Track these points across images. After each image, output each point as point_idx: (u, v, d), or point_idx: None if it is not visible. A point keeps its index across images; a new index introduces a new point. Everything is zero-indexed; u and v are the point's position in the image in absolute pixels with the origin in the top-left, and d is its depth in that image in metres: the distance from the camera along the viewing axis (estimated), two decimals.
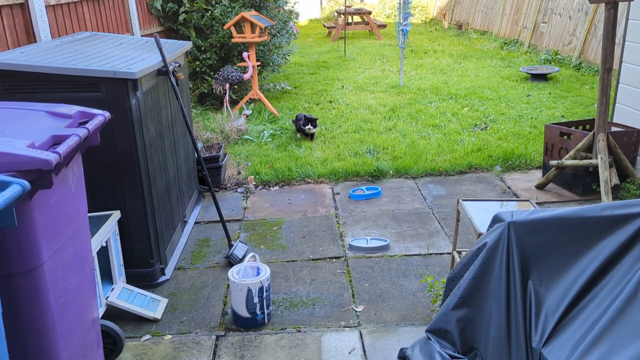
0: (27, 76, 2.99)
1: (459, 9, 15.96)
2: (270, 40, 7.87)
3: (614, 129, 4.74)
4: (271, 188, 5.09)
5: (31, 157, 1.75)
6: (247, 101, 7.45)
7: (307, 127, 6.02)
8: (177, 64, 3.87)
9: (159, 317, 3.17)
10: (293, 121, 6.44)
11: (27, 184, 1.59)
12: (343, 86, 8.84)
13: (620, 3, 4.14)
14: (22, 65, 2.97)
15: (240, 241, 3.93)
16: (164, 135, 3.70)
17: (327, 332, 3.04)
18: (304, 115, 6.12)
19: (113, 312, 3.05)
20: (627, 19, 4.84)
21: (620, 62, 4.93)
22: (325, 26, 15.66)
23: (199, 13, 7.32)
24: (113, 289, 3.08)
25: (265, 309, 3.08)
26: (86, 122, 2.24)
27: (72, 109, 2.30)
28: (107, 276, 3.09)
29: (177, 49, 4.06)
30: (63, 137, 2.01)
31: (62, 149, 1.91)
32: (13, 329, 1.90)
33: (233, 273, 3.10)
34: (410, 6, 8.85)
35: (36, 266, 1.89)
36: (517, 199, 4.30)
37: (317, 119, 6.17)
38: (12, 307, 1.87)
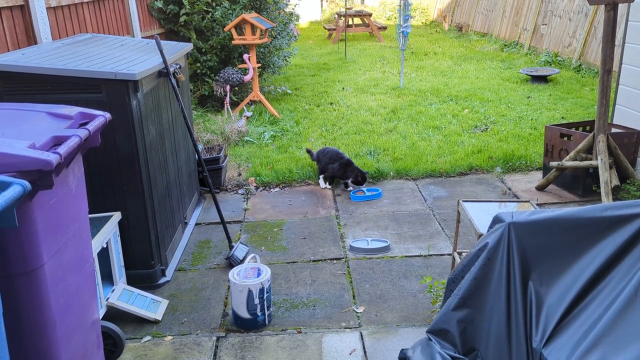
0: (28, 77, 3.00)
1: (459, 11, 15.98)
2: (270, 42, 7.88)
3: (614, 130, 4.74)
4: (272, 189, 5.09)
5: (32, 157, 1.76)
6: (248, 103, 7.45)
7: (362, 187, 4.88)
8: (178, 66, 3.88)
9: (160, 319, 3.17)
10: (317, 155, 5.18)
11: (27, 184, 1.60)
12: (344, 88, 8.85)
13: (620, 5, 4.14)
14: (23, 66, 2.98)
15: (240, 242, 3.93)
16: (165, 137, 3.70)
17: (328, 333, 3.04)
18: (359, 172, 4.85)
19: (113, 313, 3.05)
20: (627, 21, 4.84)
21: (620, 63, 4.94)
22: (325, 28, 15.69)
23: (199, 15, 7.33)
24: (113, 290, 3.08)
25: (265, 310, 3.08)
26: (87, 123, 2.25)
27: (73, 110, 2.30)
28: (107, 277, 3.09)
29: (177, 51, 4.07)
30: (64, 138, 2.01)
31: (63, 149, 1.91)
32: (14, 330, 1.90)
33: (234, 274, 3.10)
34: (410, 8, 8.86)
35: (37, 267, 1.89)
36: (518, 200, 4.30)
37: (367, 174, 4.97)
38: (12, 308, 1.87)
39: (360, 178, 4.85)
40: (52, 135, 2.01)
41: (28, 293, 1.90)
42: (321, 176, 5.10)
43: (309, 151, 5.41)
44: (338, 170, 4.94)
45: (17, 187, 1.56)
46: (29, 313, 1.93)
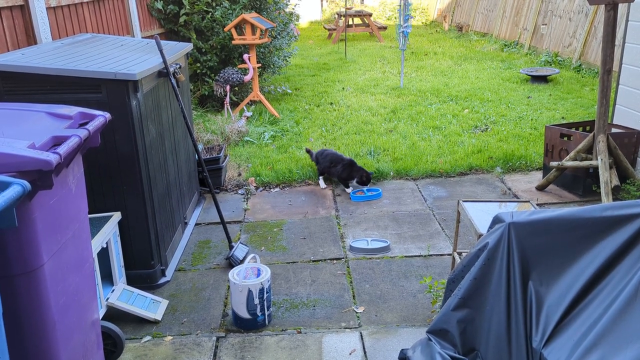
0: (28, 77, 3.00)
1: (460, 11, 15.97)
2: (270, 42, 7.88)
3: (614, 130, 4.74)
4: (272, 189, 5.09)
5: (32, 157, 1.75)
6: (248, 103, 7.45)
7: (364, 187, 4.87)
8: (178, 66, 3.88)
9: (160, 319, 3.17)
10: (316, 157, 5.17)
11: (27, 184, 1.59)
12: (344, 88, 8.85)
13: (620, 5, 4.14)
14: (23, 66, 2.97)
15: (240, 243, 3.93)
16: (165, 137, 3.70)
17: (328, 333, 3.04)
18: (364, 172, 4.84)
19: (113, 314, 3.05)
20: (627, 21, 4.84)
21: (620, 63, 4.94)
22: (325, 28, 15.68)
23: (199, 15, 7.33)
24: (113, 290, 3.08)
25: (265, 310, 3.08)
26: (87, 123, 2.25)
27: (73, 110, 2.30)
28: (107, 277, 3.09)
29: (177, 51, 4.07)
30: (63, 137, 2.01)
31: (63, 149, 1.91)
32: (13, 330, 1.90)
33: (234, 274, 3.10)
34: (410, 8, 8.86)
35: (36, 267, 1.89)
36: (518, 200, 4.30)
37: (371, 174, 4.93)
38: (12, 308, 1.87)
39: (365, 178, 4.83)
40: (52, 135, 2.01)
41: (28, 293, 1.90)
42: (321, 177, 5.10)
43: (308, 151, 5.41)
44: (343, 172, 4.90)
45: (17, 187, 1.56)
46: (29, 313, 1.93)
